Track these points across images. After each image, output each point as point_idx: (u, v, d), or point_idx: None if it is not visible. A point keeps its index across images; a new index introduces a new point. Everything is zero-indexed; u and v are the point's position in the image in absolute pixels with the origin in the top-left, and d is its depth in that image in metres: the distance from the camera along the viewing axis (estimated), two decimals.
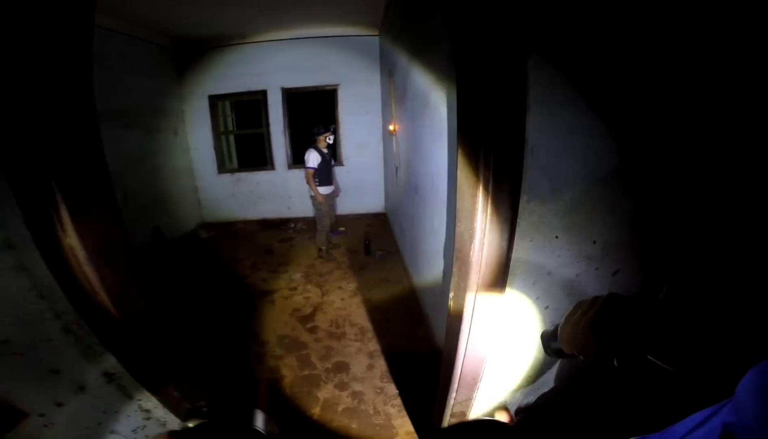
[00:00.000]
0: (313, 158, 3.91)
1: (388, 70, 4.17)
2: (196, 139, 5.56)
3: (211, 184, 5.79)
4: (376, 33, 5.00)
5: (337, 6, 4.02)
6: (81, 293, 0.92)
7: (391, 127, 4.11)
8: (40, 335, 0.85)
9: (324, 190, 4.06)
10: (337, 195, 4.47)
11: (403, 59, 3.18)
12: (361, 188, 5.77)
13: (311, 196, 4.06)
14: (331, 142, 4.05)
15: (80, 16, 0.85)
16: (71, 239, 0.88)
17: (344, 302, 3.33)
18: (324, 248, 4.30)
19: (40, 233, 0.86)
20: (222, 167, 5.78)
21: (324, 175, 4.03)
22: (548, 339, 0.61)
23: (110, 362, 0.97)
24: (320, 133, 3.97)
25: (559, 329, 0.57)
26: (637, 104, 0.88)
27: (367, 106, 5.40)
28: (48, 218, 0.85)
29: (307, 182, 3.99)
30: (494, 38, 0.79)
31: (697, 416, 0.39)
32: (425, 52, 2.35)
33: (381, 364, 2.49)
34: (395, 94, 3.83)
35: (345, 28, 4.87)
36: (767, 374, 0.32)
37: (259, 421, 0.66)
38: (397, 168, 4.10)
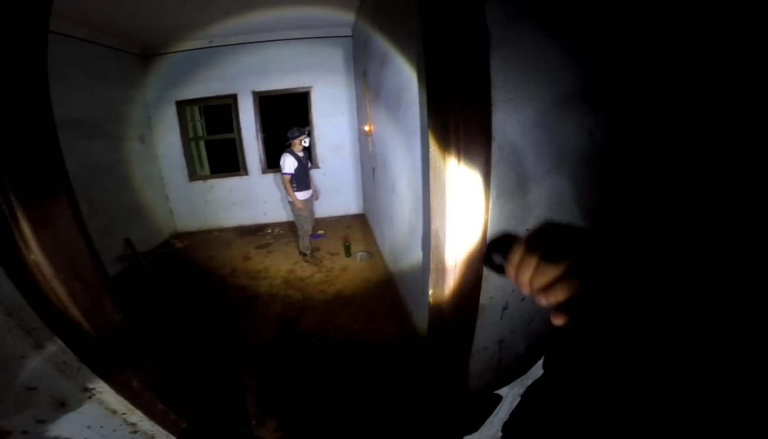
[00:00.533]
0: (289, 164, 3.82)
1: (362, 71, 4.18)
2: (165, 146, 5.36)
3: (183, 192, 5.60)
4: (349, 33, 5.00)
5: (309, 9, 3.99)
6: (51, 309, 0.89)
7: (366, 128, 4.11)
8: (11, 352, 0.81)
9: (302, 195, 4.00)
10: (317, 198, 4.41)
11: (376, 59, 3.20)
12: (338, 190, 5.75)
13: (290, 202, 3.99)
14: (306, 144, 3.96)
15: (33, 20, 0.82)
16: (35, 255, 0.85)
17: (327, 305, 3.32)
18: (308, 253, 4.27)
19: (3, 249, 0.82)
20: (193, 174, 5.60)
21: (301, 179, 3.97)
22: (494, 249, 0.47)
23: (88, 376, 0.94)
24: (295, 137, 3.87)
25: (511, 250, 0.42)
26: (599, 99, 0.94)
27: (342, 107, 5.39)
28: (9, 235, 0.82)
29: (285, 189, 3.91)
30: (460, 34, 0.82)
31: None
32: (398, 51, 2.38)
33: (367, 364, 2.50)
34: (369, 95, 3.84)
35: (316, 30, 4.84)
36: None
37: None
38: (374, 168, 4.12)
